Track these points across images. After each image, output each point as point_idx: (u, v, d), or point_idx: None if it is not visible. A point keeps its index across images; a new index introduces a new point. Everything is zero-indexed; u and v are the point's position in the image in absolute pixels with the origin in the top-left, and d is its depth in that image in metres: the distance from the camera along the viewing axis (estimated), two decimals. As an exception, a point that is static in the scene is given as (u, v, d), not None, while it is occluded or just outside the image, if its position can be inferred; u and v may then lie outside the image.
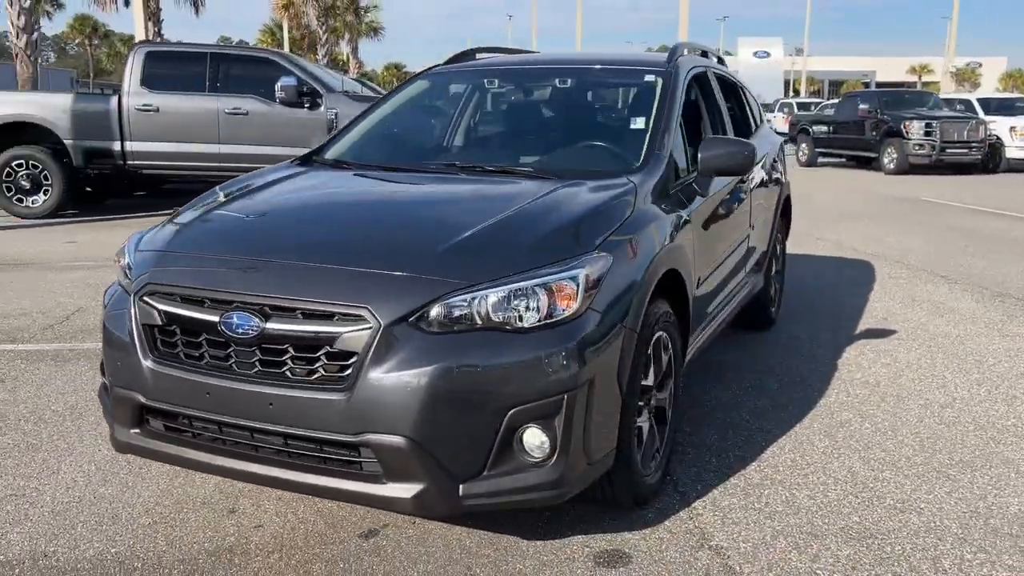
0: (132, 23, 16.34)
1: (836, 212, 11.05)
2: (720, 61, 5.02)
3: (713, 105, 4.28)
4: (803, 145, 20.07)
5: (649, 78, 3.86)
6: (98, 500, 2.95)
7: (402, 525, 2.77)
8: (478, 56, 4.73)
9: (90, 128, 9.67)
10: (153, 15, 23.69)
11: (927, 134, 16.45)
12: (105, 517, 2.83)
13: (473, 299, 2.29)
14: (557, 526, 2.76)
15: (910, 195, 13.19)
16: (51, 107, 9.77)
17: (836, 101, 24.37)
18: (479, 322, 2.29)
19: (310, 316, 2.31)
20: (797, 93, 57.61)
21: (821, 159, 19.94)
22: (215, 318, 2.37)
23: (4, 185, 9.68)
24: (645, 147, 3.34)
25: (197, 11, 26.76)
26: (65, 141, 9.65)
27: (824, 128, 19.55)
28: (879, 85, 61.51)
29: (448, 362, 2.23)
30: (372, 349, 2.23)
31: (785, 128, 23.48)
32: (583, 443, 2.38)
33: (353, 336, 2.26)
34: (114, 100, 9.69)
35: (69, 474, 3.16)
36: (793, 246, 6.55)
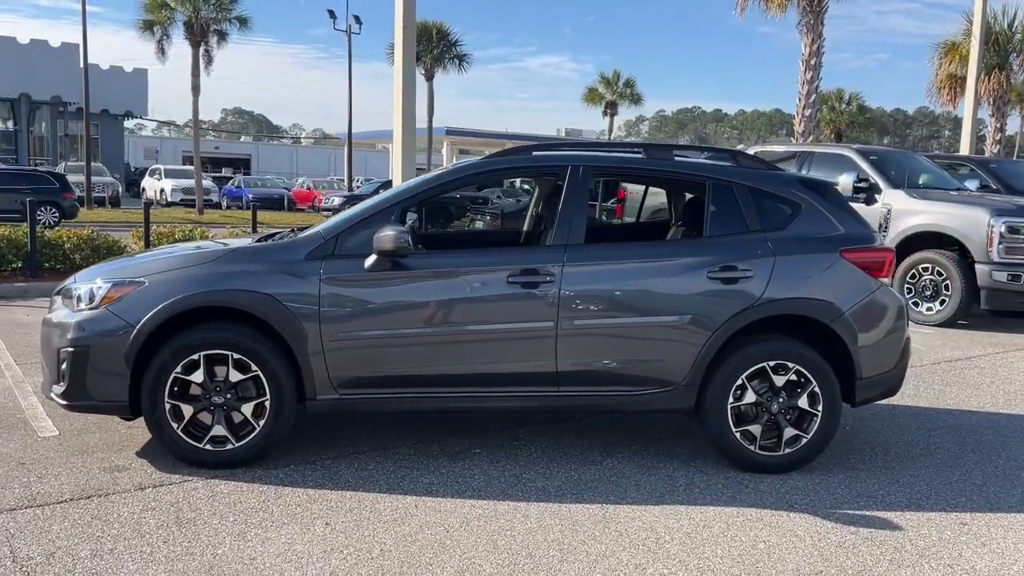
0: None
1: None
2: (735, 158, 4.80)
3: (566, 200, 4.36)
4: None
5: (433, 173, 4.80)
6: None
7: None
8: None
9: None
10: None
11: None
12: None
13: (71, 288, 4.35)
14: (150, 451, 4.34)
15: None
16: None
17: None
18: (71, 301, 4.27)
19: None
20: None
21: None
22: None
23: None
24: (321, 226, 4.47)
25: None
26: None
27: None
28: None
29: (49, 316, 4.39)
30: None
31: None
32: (84, 383, 4.08)
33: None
34: None
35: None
36: None
